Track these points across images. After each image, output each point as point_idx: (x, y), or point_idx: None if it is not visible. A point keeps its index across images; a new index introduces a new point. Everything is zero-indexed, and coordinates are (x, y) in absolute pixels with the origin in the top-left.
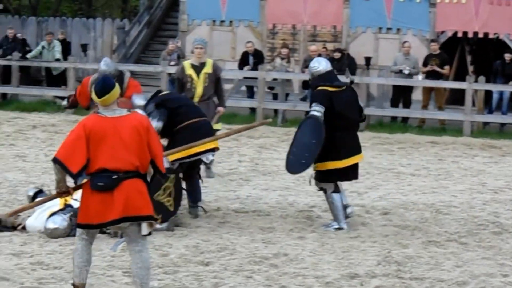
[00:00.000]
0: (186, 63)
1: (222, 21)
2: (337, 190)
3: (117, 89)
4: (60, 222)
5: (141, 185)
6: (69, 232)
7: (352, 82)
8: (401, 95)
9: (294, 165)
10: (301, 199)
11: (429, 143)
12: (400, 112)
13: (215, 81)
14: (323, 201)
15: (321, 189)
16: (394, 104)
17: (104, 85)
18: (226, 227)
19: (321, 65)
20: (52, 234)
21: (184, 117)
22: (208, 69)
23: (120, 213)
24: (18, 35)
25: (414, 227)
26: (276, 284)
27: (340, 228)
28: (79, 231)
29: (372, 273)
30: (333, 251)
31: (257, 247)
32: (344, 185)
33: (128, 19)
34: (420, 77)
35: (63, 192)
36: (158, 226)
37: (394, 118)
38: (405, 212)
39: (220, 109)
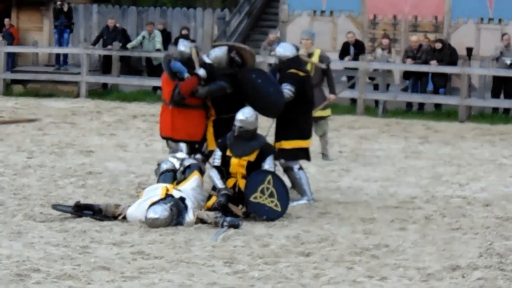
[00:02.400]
0: None
1: (322, 12)
2: (301, 167)
3: None
4: (161, 212)
5: None
6: (169, 222)
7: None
8: (502, 86)
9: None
10: (402, 190)
11: None
12: (502, 103)
13: (323, 70)
14: (425, 192)
15: (286, 168)
16: (496, 95)
17: None
18: (326, 217)
19: (287, 50)
20: (153, 224)
21: None
22: (315, 59)
23: None
24: (118, 25)
25: None
26: (377, 275)
27: (309, 201)
28: None
29: (474, 265)
30: (435, 242)
31: (358, 238)
32: (445, 176)
33: (228, 9)
34: None
35: None
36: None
37: (495, 109)
38: (507, 204)
39: (331, 96)
